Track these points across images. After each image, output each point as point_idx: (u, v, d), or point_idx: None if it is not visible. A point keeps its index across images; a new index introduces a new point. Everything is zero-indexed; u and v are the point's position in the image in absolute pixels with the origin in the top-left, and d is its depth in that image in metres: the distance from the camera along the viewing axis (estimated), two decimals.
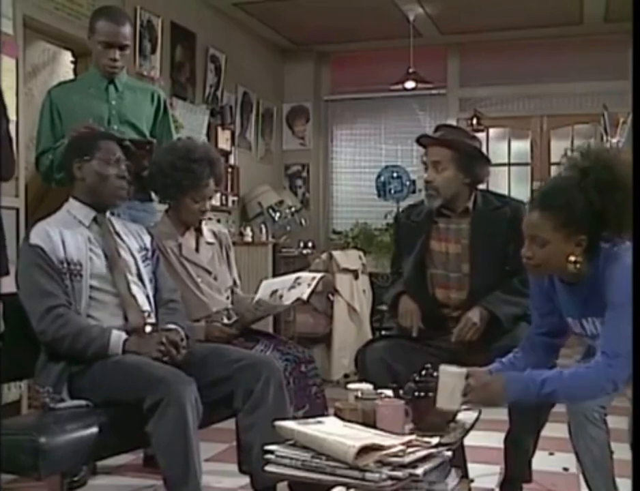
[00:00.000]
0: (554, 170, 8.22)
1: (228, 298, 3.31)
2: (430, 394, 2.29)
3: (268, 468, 2.06)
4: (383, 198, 8.17)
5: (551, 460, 3.69)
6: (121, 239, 2.84)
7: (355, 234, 8.08)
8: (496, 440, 3.13)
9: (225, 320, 3.18)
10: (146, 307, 2.77)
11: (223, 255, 3.38)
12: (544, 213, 2.30)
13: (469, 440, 2.55)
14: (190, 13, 6.68)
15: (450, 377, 2.26)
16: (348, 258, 6.13)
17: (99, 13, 3.51)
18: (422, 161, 3.19)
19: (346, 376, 5.65)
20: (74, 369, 2.58)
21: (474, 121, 8.13)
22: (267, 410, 2.62)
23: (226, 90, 7.30)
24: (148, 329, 2.72)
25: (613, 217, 2.24)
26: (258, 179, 7.86)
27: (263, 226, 7.33)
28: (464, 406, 2.47)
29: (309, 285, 3.13)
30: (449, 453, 2.14)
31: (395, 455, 1.97)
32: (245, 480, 2.91)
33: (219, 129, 7.13)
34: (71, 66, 5.42)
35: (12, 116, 4.36)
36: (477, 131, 8.12)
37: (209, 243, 3.33)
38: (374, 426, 2.19)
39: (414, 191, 7.85)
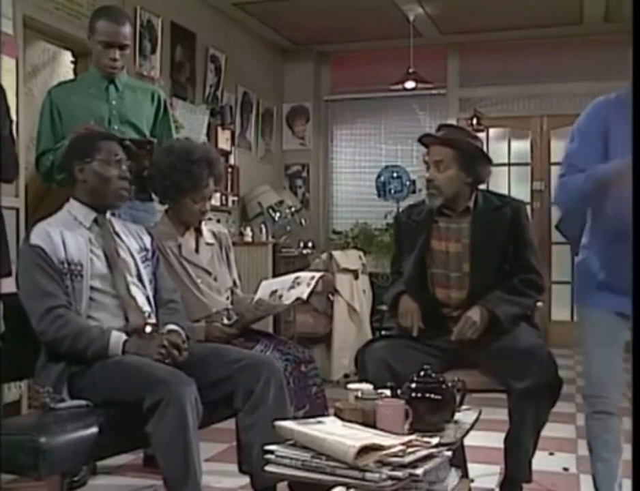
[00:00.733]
0: (554, 170, 8.23)
1: (228, 298, 3.31)
2: (428, 395, 2.29)
3: (268, 468, 2.06)
4: (383, 198, 8.18)
5: (551, 460, 3.70)
6: (121, 240, 2.83)
7: (355, 234, 8.09)
8: (496, 440, 3.13)
9: (225, 321, 3.18)
10: (146, 308, 2.77)
11: (223, 255, 3.38)
12: None
13: (469, 440, 2.55)
14: (190, 13, 6.68)
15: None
16: (348, 258, 6.13)
17: (99, 13, 3.51)
18: (424, 160, 3.19)
19: (346, 376, 5.65)
20: (74, 369, 2.58)
21: (474, 121, 8.13)
22: (267, 410, 2.62)
23: (226, 90, 7.30)
24: (148, 329, 2.72)
25: None
26: (258, 179, 7.87)
27: (263, 226, 7.33)
28: (464, 407, 2.48)
29: (308, 284, 3.13)
30: (449, 453, 2.14)
31: (395, 455, 1.97)
32: (246, 480, 2.91)
33: (219, 129, 7.13)
34: (72, 66, 5.42)
35: (12, 116, 4.37)
36: (477, 131, 8.10)
37: (208, 244, 3.33)
38: (374, 426, 2.19)
39: (414, 191, 7.85)
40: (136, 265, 2.82)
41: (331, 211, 8.86)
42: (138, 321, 2.71)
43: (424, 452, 2.04)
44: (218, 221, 6.45)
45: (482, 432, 3.01)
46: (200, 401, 2.46)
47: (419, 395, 2.29)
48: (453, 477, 2.31)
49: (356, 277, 6.10)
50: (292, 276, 3.24)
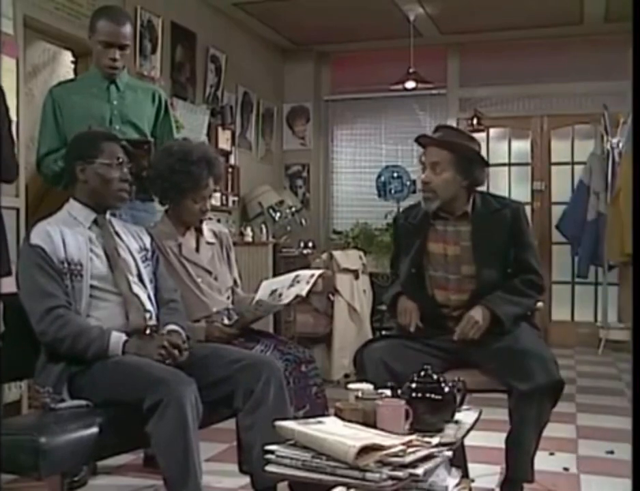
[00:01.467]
0: (554, 170, 8.24)
1: (228, 298, 3.31)
2: (428, 395, 2.29)
3: (268, 468, 2.06)
4: (383, 198, 8.17)
5: (552, 460, 3.69)
6: (121, 240, 2.83)
7: (355, 234, 8.08)
8: (496, 439, 3.13)
9: (225, 321, 3.18)
10: (148, 306, 2.77)
11: (223, 255, 3.37)
12: None
13: (469, 440, 2.54)
14: (190, 13, 6.68)
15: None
16: (349, 258, 6.13)
17: (100, 13, 3.50)
18: (420, 161, 3.18)
19: (346, 376, 5.65)
20: (74, 369, 2.58)
21: (474, 121, 8.14)
22: (268, 410, 2.62)
23: (226, 90, 7.31)
24: (148, 331, 2.72)
25: None
26: (258, 179, 7.87)
27: (263, 226, 7.33)
28: (464, 407, 2.48)
29: (308, 282, 3.13)
30: (449, 453, 2.13)
31: (395, 455, 1.97)
32: (246, 480, 2.91)
33: (219, 129, 7.13)
34: (72, 66, 5.42)
35: (13, 116, 4.37)
36: (478, 131, 8.12)
37: (209, 243, 3.32)
38: (374, 426, 2.19)
39: (414, 192, 7.85)
40: (137, 265, 2.82)
41: (332, 211, 8.86)
42: (139, 320, 2.71)
43: (424, 452, 2.04)
44: (219, 221, 6.44)
45: (483, 431, 3.02)
46: (201, 401, 2.46)
47: (419, 395, 2.29)
48: (453, 476, 2.31)
49: (356, 277, 6.10)
50: (292, 275, 3.23)
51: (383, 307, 6.01)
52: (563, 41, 7.91)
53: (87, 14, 4.47)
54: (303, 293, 3.10)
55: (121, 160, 2.80)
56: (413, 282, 3.17)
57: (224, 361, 2.73)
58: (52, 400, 2.51)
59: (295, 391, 2.97)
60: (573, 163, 8.15)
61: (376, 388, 2.43)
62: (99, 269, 2.70)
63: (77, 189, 2.80)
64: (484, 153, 8.09)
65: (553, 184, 8.25)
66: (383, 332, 5.76)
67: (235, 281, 3.41)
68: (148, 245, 2.93)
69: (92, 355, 2.56)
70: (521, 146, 8.37)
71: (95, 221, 2.78)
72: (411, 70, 7.59)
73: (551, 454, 3.76)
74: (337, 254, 5.99)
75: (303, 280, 3.15)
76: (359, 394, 2.36)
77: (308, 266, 5.83)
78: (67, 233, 2.69)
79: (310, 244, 7.94)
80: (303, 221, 8.07)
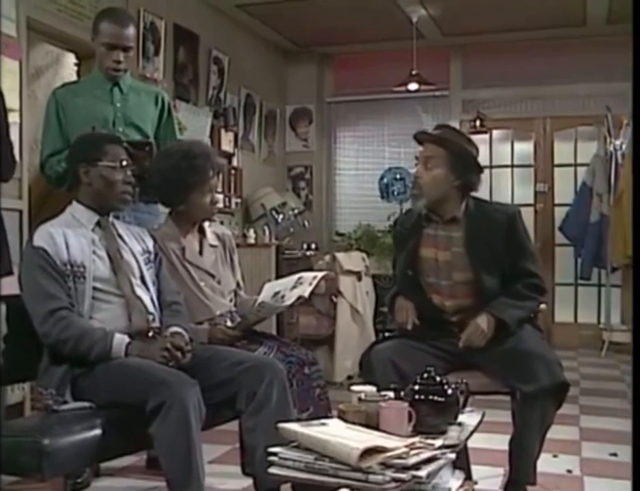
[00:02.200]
0: (557, 172, 8.23)
1: (231, 300, 3.31)
2: (431, 397, 2.29)
3: (271, 470, 2.06)
4: (386, 199, 8.17)
5: (555, 462, 3.69)
6: (124, 242, 2.83)
7: (358, 236, 8.08)
8: (499, 442, 3.13)
9: (228, 323, 3.18)
10: (151, 309, 2.77)
11: (227, 257, 3.37)
12: None
13: (472, 442, 2.54)
14: (192, 15, 6.69)
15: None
16: (352, 260, 6.13)
17: (103, 15, 3.51)
18: (416, 156, 3.17)
19: (349, 377, 5.65)
20: (76, 371, 2.58)
21: (477, 123, 8.14)
22: (271, 412, 2.62)
23: (229, 92, 7.31)
24: (151, 334, 2.72)
25: None
26: (261, 180, 7.87)
27: (266, 228, 7.33)
28: (467, 409, 2.47)
29: (310, 283, 3.13)
30: (452, 455, 2.13)
31: (399, 457, 1.97)
32: (249, 482, 2.91)
33: (222, 131, 7.14)
34: (75, 68, 5.44)
35: (16, 118, 4.38)
36: (480, 132, 8.13)
37: (212, 246, 3.32)
38: (377, 428, 2.19)
39: None
40: (139, 267, 2.82)
41: (334, 213, 8.86)
42: (142, 322, 2.71)
43: (427, 454, 2.04)
44: (222, 223, 6.45)
45: (486, 433, 3.01)
46: (204, 403, 2.46)
47: (422, 397, 2.29)
48: (456, 479, 2.30)
49: (359, 279, 6.10)
50: (294, 277, 3.23)
51: (386, 309, 6.01)
52: (565, 43, 7.91)
53: (90, 16, 4.47)
54: (306, 294, 3.10)
55: (124, 163, 2.80)
56: (409, 286, 3.16)
57: (227, 363, 2.72)
58: (55, 402, 2.51)
59: (297, 393, 2.96)
60: (576, 165, 8.14)
61: (379, 390, 2.43)
62: (102, 271, 2.70)
63: (80, 191, 2.80)
64: (486, 154, 8.22)
65: (555, 186, 8.25)
66: (386, 334, 5.75)
67: (238, 284, 3.40)
68: (151, 248, 2.93)
69: (95, 357, 2.56)
70: (524, 148, 8.37)
71: (98, 224, 2.78)
72: (413, 72, 7.59)
73: (554, 456, 3.75)
74: (340, 255, 5.99)
75: (306, 282, 3.15)
76: (362, 396, 2.36)
77: (310, 268, 5.82)
78: (70, 235, 2.69)
79: (313, 246, 7.95)
80: (306, 223, 8.07)
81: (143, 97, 3.62)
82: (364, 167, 8.72)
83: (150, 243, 2.95)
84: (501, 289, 3.04)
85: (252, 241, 7.04)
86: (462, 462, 2.49)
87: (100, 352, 2.56)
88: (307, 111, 8.67)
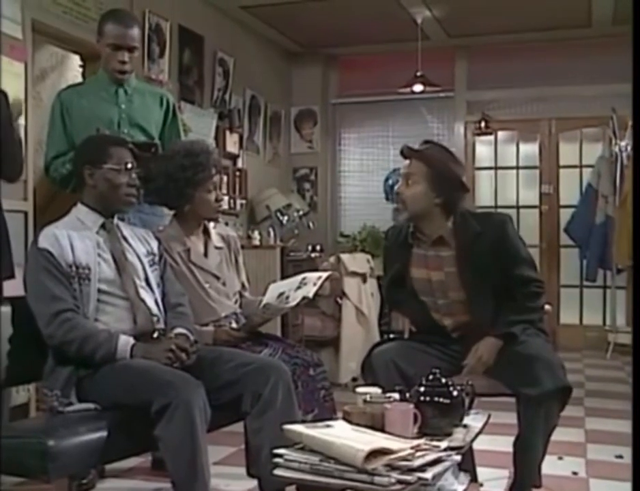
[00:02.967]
0: (563, 173, 8.22)
1: (236, 302, 3.31)
2: (437, 398, 2.29)
3: (276, 471, 2.06)
4: (391, 201, 8.15)
5: (560, 464, 3.68)
6: (129, 244, 2.84)
7: (363, 238, 8.07)
8: (505, 443, 3.12)
9: (233, 324, 3.18)
10: (155, 311, 2.77)
11: (232, 259, 3.37)
12: None
13: (477, 444, 2.54)
14: (197, 16, 6.69)
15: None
16: (356, 262, 6.12)
17: (108, 17, 3.51)
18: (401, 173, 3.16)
19: (354, 379, 5.64)
20: (81, 372, 2.58)
21: (482, 124, 8.14)
22: (276, 413, 2.61)
23: (234, 93, 7.31)
24: (155, 334, 2.72)
25: None
26: (266, 182, 7.87)
27: (270, 230, 7.33)
28: (473, 411, 2.47)
29: (315, 284, 3.12)
30: (458, 457, 2.13)
31: (404, 458, 1.97)
32: (254, 483, 2.90)
33: (227, 132, 7.14)
34: (80, 70, 5.44)
35: (21, 120, 4.39)
36: (485, 134, 8.13)
37: (217, 248, 3.32)
38: (382, 430, 2.19)
39: None
40: (144, 269, 2.82)
41: (339, 214, 8.86)
42: (147, 324, 2.71)
43: (432, 456, 2.04)
44: (226, 224, 6.45)
45: (491, 435, 3.00)
46: (209, 404, 2.46)
47: (427, 398, 2.29)
48: (462, 481, 2.30)
49: (364, 281, 6.10)
50: (299, 277, 3.23)
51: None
52: (571, 44, 7.90)
53: (95, 18, 4.48)
54: (310, 295, 3.09)
55: (129, 165, 2.80)
56: (404, 301, 3.17)
57: (232, 364, 2.72)
58: (60, 403, 2.52)
59: (303, 394, 2.96)
60: (581, 166, 8.13)
61: (384, 391, 2.43)
62: (107, 273, 2.70)
63: (85, 193, 2.80)
64: (491, 155, 8.21)
65: (561, 187, 8.23)
66: (391, 335, 5.75)
67: (242, 285, 3.40)
68: (155, 250, 2.93)
69: (100, 359, 2.56)
70: (529, 150, 8.35)
71: (102, 226, 2.79)
72: (418, 73, 7.58)
73: (560, 458, 3.74)
74: (345, 257, 5.99)
75: (310, 282, 3.15)
76: (368, 398, 2.35)
77: (315, 270, 5.82)
78: (75, 237, 2.69)
79: (318, 247, 7.95)
80: (310, 224, 8.07)
81: (148, 99, 3.62)
82: (369, 168, 8.72)
83: (155, 245, 2.95)
84: (499, 304, 3.01)
85: (256, 242, 7.04)
86: (467, 464, 2.49)
87: (105, 353, 2.56)
88: (312, 112, 8.67)
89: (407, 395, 2.36)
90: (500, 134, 8.35)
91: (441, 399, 2.29)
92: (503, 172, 8.28)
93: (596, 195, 7.51)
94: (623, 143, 7.33)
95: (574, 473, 3.61)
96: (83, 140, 2.99)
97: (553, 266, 8.06)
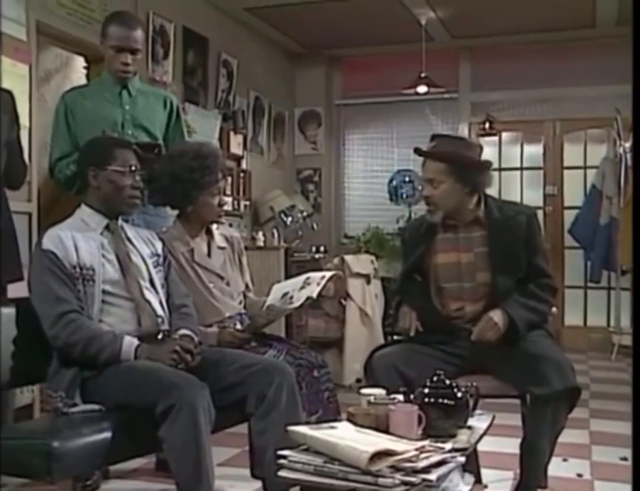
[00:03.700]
0: (567, 175, 8.20)
1: (240, 302, 3.31)
2: (441, 400, 2.28)
3: (281, 472, 2.06)
4: (395, 202, 8.17)
5: (565, 466, 3.67)
6: (133, 245, 2.84)
7: (367, 239, 8.07)
8: (509, 445, 3.11)
9: (237, 325, 3.18)
10: (159, 312, 2.77)
11: (235, 259, 3.37)
12: None
13: (482, 446, 2.53)
14: (202, 18, 6.70)
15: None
16: (360, 263, 6.12)
17: (111, 19, 3.53)
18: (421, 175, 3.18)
19: (358, 380, 5.63)
20: (86, 374, 2.58)
21: (486, 125, 8.14)
22: (280, 414, 2.61)
23: (238, 95, 7.32)
24: (160, 336, 2.72)
25: None
26: (270, 183, 7.88)
27: (274, 231, 7.33)
28: (477, 412, 2.46)
29: (318, 283, 3.12)
30: (462, 459, 2.13)
31: (408, 460, 1.97)
32: (258, 485, 2.90)
33: (231, 133, 7.15)
34: (84, 71, 5.45)
35: (25, 122, 4.39)
36: (490, 135, 8.12)
37: (220, 248, 3.33)
38: (386, 431, 2.19)
39: None
40: (148, 270, 2.83)
41: (343, 216, 8.86)
42: (151, 325, 2.71)
43: (437, 457, 2.03)
44: (230, 225, 6.45)
45: (496, 437, 3.00)
46: (213, 405, 2.46)
47: (432, 400, 2.28)
48: (466, 482, 2.29)
49: (368, 282, 6.09)
50: (302, 277, 3.22)
51: (392, 311, 6.01)
52: (575, 45, 7.89)
53: (99, 20, 4.49)
54: (314, 295, 3.09)
55: (133, 167, 2.80)
56: (415, 292, 3.17)
57: (237, 365, 2.72)
58: (65, 405, 2.52)
59: (307, 395, 2.96)
60: (586, 167, 8.12)
61: (388, 393, 2.42)
62: (111, 274, 2.70)
63: (89, 194, 2.80)
64: (495, 157, 8.20)
65: (565, 188, 8.22)
66: (395, 337, 5.74)
67: (246, 286, 3.40)
68: (160, 251, 2.94)
69: (104, 360, 2.56)
70: (533, 151, 8.34)
71: (107, 227, 2.79)
72: (422, 74, 7.58)
73: (564, 460, 3.73)
74: (349, 258, 5.98)
75: (314, 282, 3.15)
76: (372, 399, 2.35)
77: (319, 271, 5.82)
78: (79, 238, 2.69)
79: (322, 248, 7.95)
80: (314, 225, 8.07)
81: (152, 100, 3.62)
82: (373, 169, 8.72)
83: (159, 246, 2.95)
84: (515, 289, 3.04)
85: (260, 243, 7.05)
86: (471, 466, 2.48)
87: (110, 355, 2.56)
88: (316, 114, 8.67)
89: (411, 396, 2.36)
90: (504, 135, 8.35)
91: (446, 401, 2.29)
92: (507, 173, 8.27)
93: (601, 196, 7.50)
94: (627, 144, 7.32)
95: (579, 475, 3.60)
96: (87, 142, 2.99)
97: (557, 267, 8.04)
